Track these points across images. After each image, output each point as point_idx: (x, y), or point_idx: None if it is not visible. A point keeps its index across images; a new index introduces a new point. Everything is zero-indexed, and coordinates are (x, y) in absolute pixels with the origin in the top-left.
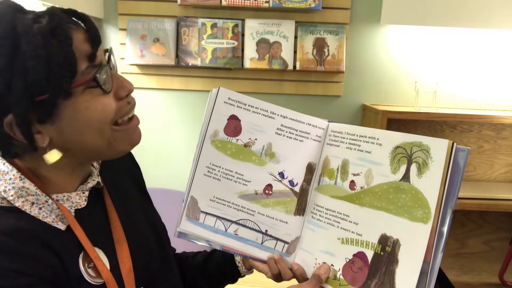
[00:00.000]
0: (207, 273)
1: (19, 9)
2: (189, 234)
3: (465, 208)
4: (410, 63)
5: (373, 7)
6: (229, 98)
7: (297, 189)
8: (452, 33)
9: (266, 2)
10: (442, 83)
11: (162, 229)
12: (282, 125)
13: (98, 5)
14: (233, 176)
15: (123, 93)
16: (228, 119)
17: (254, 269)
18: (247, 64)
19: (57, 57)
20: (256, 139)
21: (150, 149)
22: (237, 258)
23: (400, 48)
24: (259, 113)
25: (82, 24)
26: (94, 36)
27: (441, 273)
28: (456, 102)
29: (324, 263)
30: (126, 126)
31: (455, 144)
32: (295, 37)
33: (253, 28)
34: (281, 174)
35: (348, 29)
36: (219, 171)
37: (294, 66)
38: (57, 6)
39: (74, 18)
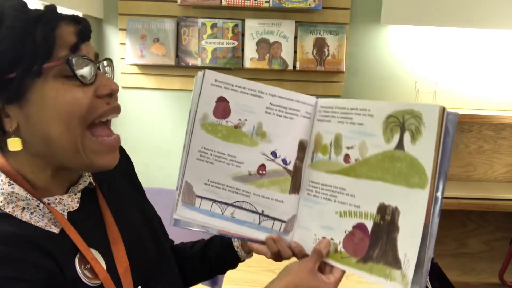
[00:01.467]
0: (207, 261)
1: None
2: (186, 220)
3: (465, 208)
4: (410, 63)
5: (373, 7)
6: (215, 80)
7: (290, 167)
8: (452, 33)
9: (266, 2)
10: (442, 83)
11: (157, 223)
12: (271, 103)
13: (98, 5)
14: (226, 159)
15: (104, 91)
16: (216, 102)
17: (253, 253)
18: (247, 64)
19: (35, 36)
20: (246, 119)
21: (149, 149)
22: (235, 243)
23: (400, 48)
24: (247, 93)
25: (79, 26)
26: (83, 30)
27: (441, 273)
28: (456, 102)
29: (323, 238)
30: (101, 139)
31: (446, 109)
32: (295, 37)
33: (253, 28)
34: (274, 153)
35: (348, 29)
36: (211, 154)
37: (294, 66)
38: (57, 6)
39: (73, 20)
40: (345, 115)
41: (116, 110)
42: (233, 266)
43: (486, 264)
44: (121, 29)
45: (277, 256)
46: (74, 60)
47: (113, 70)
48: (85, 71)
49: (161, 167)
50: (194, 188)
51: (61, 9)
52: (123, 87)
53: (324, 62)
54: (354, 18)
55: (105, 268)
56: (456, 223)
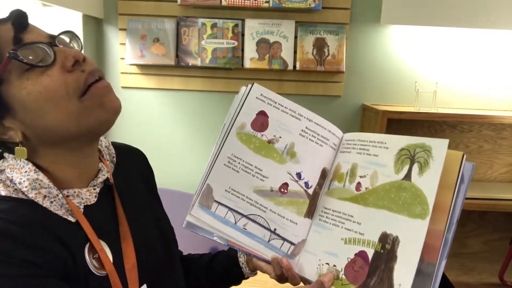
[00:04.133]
0: (212, 274)
1: None
2: (198, 223)
3: (465, 208)
4: (410, 63)
5: (373, 7)
6: (261, 94)
7: (310, 191)
8: (452, 33)
9: (266, 2)
10: (442, 83)
11: (169, 231)
12: (306, 127)
13: (98, 5)
14: (252, 170)
15: (68, 62)
16: (256, 114)
17: (257, 271)
18: (247, 64)
19: None
20: (280, 137)
21: (149, 149)
22: (241, 260)
23: (400, 48)
24: (288, 113)
25: (12, 19)
26: (15, 21)
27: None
28: (456, 102)
29: (327, 264)
30: (92, 92)
31: (464, 156)
32: (295, 37)
33: (253, 28)
34: (299, 175)
35: (348, 29)
36: (239, 163)
37: (294, 66)
38: (57, 6)
39: (7, 16)
40: (364, 146)
41: (96, 72)
42: (237, 282)
43: (486, 264)
44: (121, 29)
45: (281, 278)
46: (19, 52)
47: (79, 41)
48: (39, 54)
49: (160, 167)
50: (213, 192)
51: (61, 9)
52: (123, 87)
53: (324, 62)
54: (354, 18)
55: (111, 261)
56: None
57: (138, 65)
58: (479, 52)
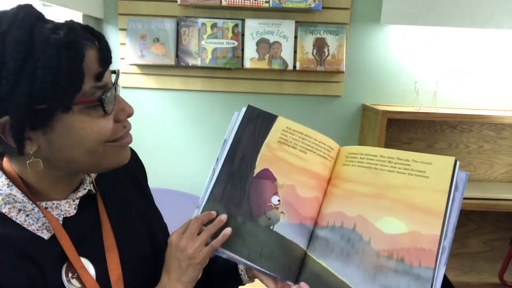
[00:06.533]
0: (209, 277)
1: (40, 17)
2: None
3: (465, 208)
4: (410, 63)
5: (373, 7)
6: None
7: None
8: (452, 33)
9: (266, 2)
10: (442, 83)
11: (161, 231)
12: None
13: (98, 5)
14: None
15: (122, 117)
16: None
17: (255, 279)
18: (247, 64)
19: (66, 71)
20: None
21: (149, 149)
22: (241, 266)
23: (400, 48)
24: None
25: (96, 42)
26: (106, 56)
27: None
28: (456, 102)
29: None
30: (117, 142)
31: (458, 162)
32: (295, 37)
33: (253, 28)
34: None
35: (348, 29)
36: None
37: (294, 66)
38: (57, 6)
39: (90, 35)
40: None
41: (129, 127)
42: (234, 287)
43: (486, 264)
44: (121, 29)
45: None
46: (105, 98)
47: (118, 76)
48: (109, 102)
49: (160, 167)
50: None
51: (61, 9)
52: (123, 87)
53: (324, 62)
54: (354, 18)
55: (94, 276)
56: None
57: (138, 65)
58: (479, 52)
